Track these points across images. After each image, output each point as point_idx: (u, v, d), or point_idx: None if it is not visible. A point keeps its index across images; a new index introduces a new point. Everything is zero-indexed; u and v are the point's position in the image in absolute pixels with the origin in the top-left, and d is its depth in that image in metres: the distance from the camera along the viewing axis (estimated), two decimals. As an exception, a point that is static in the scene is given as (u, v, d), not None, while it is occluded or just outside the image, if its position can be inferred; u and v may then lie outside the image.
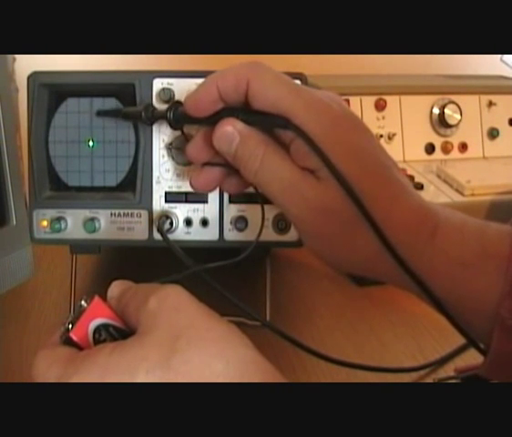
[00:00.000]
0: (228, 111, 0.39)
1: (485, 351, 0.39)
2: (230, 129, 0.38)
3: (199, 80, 0.52)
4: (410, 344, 0.55)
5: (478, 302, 0.37)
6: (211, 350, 0.29)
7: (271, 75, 0.38)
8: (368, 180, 0.36)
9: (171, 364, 0.28)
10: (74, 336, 0.32)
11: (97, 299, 0.32)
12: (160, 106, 0.52)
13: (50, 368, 0.30)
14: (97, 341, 0.32)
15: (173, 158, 0.52)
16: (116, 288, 0.35)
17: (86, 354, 0.30)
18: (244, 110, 0.38)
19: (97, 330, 0.32)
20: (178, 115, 0.43)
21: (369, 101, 0.77)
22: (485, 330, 0.37)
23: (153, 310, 0.31)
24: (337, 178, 0.35)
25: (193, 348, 0.29)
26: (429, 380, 0.51)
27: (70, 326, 0.32)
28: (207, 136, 0.40)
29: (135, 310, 0.32)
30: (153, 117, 0.48)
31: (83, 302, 0.32)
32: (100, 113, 0.52)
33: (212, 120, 0.39)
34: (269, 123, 0.38)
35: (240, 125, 0.38)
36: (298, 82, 0.53)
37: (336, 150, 0.36)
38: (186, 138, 0.48)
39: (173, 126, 0.44)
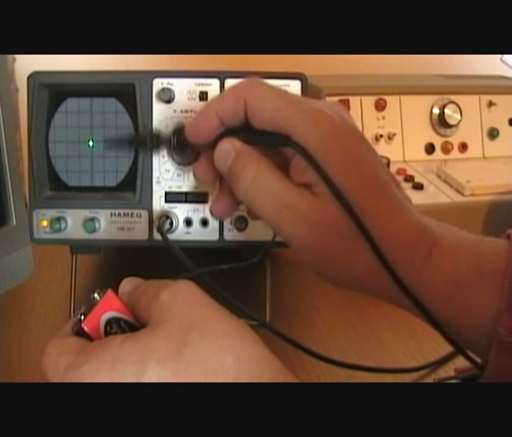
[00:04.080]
0: (230, 132, 0.39)
1: (482, 367, 0.39)
2: (228, 146, 0.38)
3: (199, 80, 0.53)
4: (410, 344, 0.55)
5: (475, 319, 0.36)
6: (222, 343, 0.29)
7: (267, 89, 0.38)
8: (367, 195, 0.36)
9: (182, 355, 0.29)
10: (86, 327, 0.32)
11: (109, 292, 0.33)
12: (160, 105, 0.52)
13: (61, 357, 0.30)
14: (107, 334, 0.32)
15: (173, 158, 0.52)
16: (127, 284, 0.35)
17: (97, 344, 0.31)
18: (245, 130, 0.38)
19: (109, 322, 0.32)
20: (182, 141, 0.43)
21: (369, 101, 0.77)
22: (482, 346, 0.37)
23: (165, 304, 0.31)
24: (335, 194, 0.35)
25: (204, 340, 0.29)
26: (429, 380, 0.51)
27: (82, 317, 0.32)
28: (211, 156, 0.40)
29: (146, 304, 0.32)
30: (158, 144, 0.48)
31: (95, 295, 0.33)
32: (108, 142, 0.52)
33: (216, 143, 0.39)
34: (270, 141, 0.38)
35: (237, 143, 0.38)
36: (298, 82, 0.53)
37: (335, 163, 0.36)
38: (194, 157, 0.48)
39: (178, 151, 0.45)
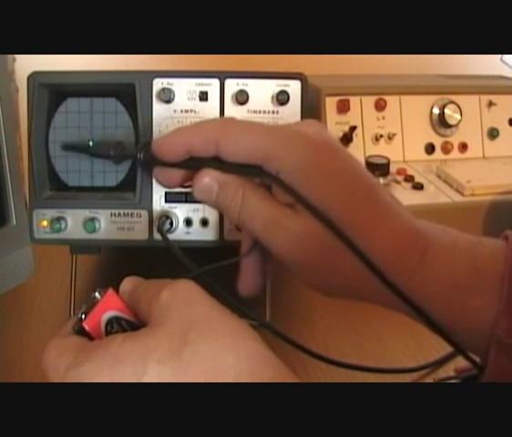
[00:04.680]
0: (200, 161, 0.39)
1: (481, 367, 0.39)
2: (208, 180, 0.38)
3: (199, 80, 0.53)
4: (410, 344, 0.55)
5: (473, 322, 0.36)
6: (223, 343, 0.29)
7: (241, 127, 0.38)
8: (350, 206, 0.36)
9: (182, 355, 0.29)
10: (86, 326, 0.32)
11: (110, 291, 0.33)
12: (160, 105, 0.52)
13: (61, 356, 0.30)
14: (108, 333, 0.32)
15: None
16: (128, 283, 0.35)
17: (97, 343, 0.31)
18: (216, 162, 0.38)
19: (110, 322, 0.32)
20: (148, 157, 0.41)
21: (369, 101, 0.77)
22: (480, 348, 0.37)
23: (165, 303, 0.31)
24: (314, 214, 0.36)
25: (205, 339, 0.29)
26: (429, 380, 0.51)
27: (83, 316, 0.32)
28: (181, 176, 0.40)
29: (147, 304, 0.32)
30: (122, 157, 0.48)
31: (96, 294, 0.33)
32: (68, 147, 0.52)
33: (183, 165, 0.39)
34: (243, 172, 0.38)
35: (216, 173, 0.38)
36: (298, 82, 0.53)
37: (317, 179, 0.36)
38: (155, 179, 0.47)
39: (143, 167, 0.43)
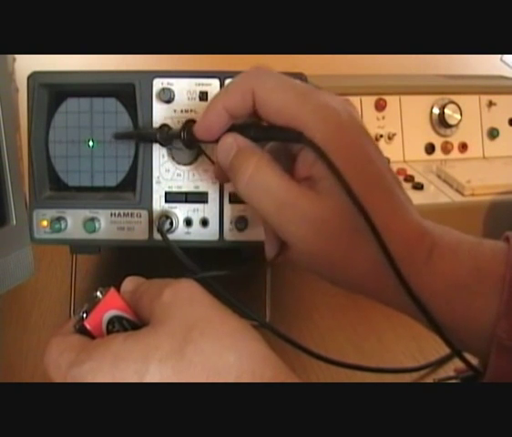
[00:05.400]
0: (239, 129, 0.39)
1: (480, 372, 0.39)
2: (230, 140, 0.38)
3: (199, 80, 0.53)
4: (410, 344, 0.55)
5: (474, 322, 0.36)
6: (224, 342, 0.29)
7: (274, 81, 0.37)
8: (371, 191, 0.36)
9: (184, 354, 0.29)
10: (88, 325, 0.32)
11: (112, 290, 0.33)
12: (160, 105, 0.52)
13: (62, 354, 0.31)
14: (109, 332, 0.32)
15: (173, 158, 0.52)
16: (130, 282, 0.35)
17: (99, 341, 0.31)
18: (255, 127, 0.38)
19: (111, 321, 0.32)
20: (191, 136, 0.43)
21: (369, 101, 0.77)
22: (481, 349, 0.37)
23: (167, 302, 0.31)
24: (344, 187, 0.35)
25: (206, 338, 0.29)
26: (429, 380, 0.51)
27: (84, 315, 0.32)
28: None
29: (149, 303, 0.32)
30: (168, 138, 0.48)
31: (98, 293, 0.33)
32: (118, 136, 0.52)
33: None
34: (282, 137, 0.37)
35: (240, 138, 0.38)
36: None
37: (341, 157, 0.35)
38: (206, 156, 0.49)
39: (188, 146, 0.45)
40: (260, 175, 0.37)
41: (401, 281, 0.36)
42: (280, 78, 0.38)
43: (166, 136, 0.49)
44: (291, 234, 0.37)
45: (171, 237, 0.52)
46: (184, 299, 0.31)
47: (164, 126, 0.50)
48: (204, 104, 0.52)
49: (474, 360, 0.41)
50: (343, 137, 0.36)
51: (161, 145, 0.50)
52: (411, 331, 0.56)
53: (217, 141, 0.40)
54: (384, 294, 0.38)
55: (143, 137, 0.52)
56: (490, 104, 0.80)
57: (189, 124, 0.44)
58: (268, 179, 0.37)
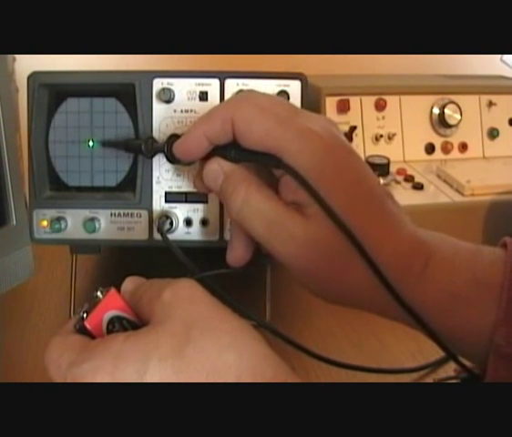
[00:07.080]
0: (219, 150, 0.39)
1: (478, 376, 0.39)
2: (216, 167, 0.39)
3: (199, 80, 0.53)
4: (410, 344, 0.55)
5: (472, 331, 0.36)
6: (224, 341, 0.29)
7: (254, 111, 0.37)
8: (360, 214, 0.36)
9: (184, 353, 0.29)
10: (88, 325, 0.32)
11: (112, 290, 0.33)
12: (160, 105, 0.52)
13: (63, 354, 0.31)
14: (110, 332, 0.32)
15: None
16: (130, 282, 0.35)
17: (99, 341, 0.31)
18: (235, 149, 0.39)
19: (111, 321, 0.32)
20: (172, 153, 0.44)
21: (369, 101, 0.77)
22: (479, 356, 0.37)
23: (167, 302, 0.31)
24: (328, 214, 0.35)
25: (206, 338, 0.29)
26: (429, 380, 0.51)
27: (85, 315, 0.32)
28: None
29: (149, 303, 0.32)
30: (152, 151, 0.50)
31: (98, 293, 0.33)
32: (105, 144, 0.52)
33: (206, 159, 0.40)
34: (261, 161, 0.38)
35: (224, 164, 0.39)
36: (298, 82, 0.53)
37: (327, 182, 0.36)
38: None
39: (171, 161, 0.47)
40: (250, 199, 0.38)
41: (394, 298, 0.36)
42: (259, 106, 0.38)
43: (150, 148, 0.49)
44: (282, 254, 0.38)
45: (171, 237, 0.52)
46: (184, 298, 0.31)
47: (149, 138, 0.50)
48: (204, 104, 0.52)
49: (472, 364, 0.41)
50: (328, 161, 0.36)
51: (145, 157, 0.51)
52: (411, 331, 0.56)
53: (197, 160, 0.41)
54: (379, 307, 0.38)
55: (129, 147, 0.52)
56: (490, 104, 0.80)
57: (173, 138, 0.45)
58: (258, 203, 0.37)
